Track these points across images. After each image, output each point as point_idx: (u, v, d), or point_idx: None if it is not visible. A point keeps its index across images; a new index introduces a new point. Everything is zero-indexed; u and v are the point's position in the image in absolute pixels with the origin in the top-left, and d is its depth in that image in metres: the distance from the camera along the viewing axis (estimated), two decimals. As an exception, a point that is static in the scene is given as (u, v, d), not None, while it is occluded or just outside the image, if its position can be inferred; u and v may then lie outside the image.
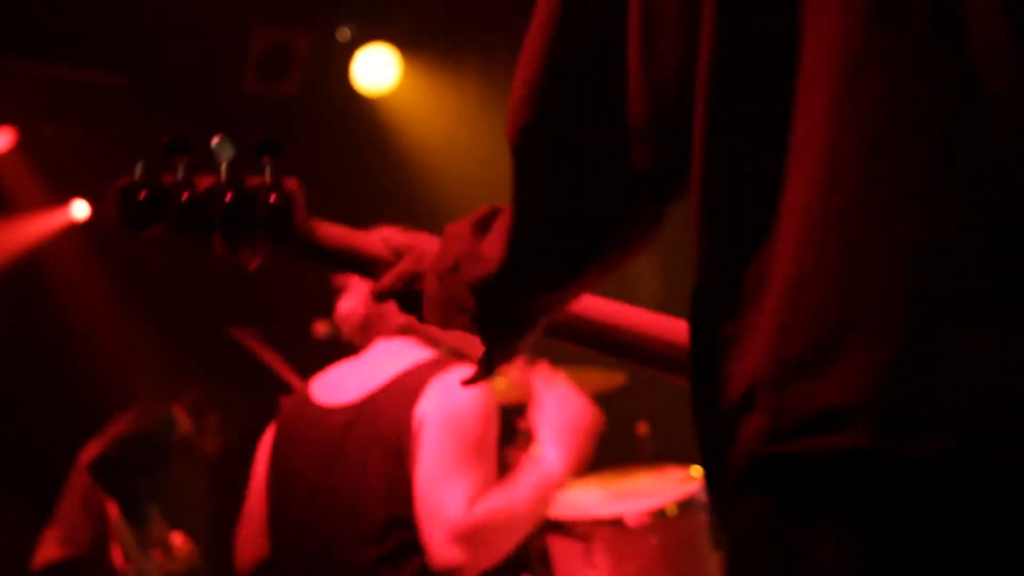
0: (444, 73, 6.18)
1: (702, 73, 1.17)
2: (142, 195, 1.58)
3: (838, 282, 1.06)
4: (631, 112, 1.25)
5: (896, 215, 1.05)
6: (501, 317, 1.49)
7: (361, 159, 6.24)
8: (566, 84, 1.28)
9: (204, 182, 1.59)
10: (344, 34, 6.20)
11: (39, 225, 6.50)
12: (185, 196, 1.57)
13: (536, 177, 1.33)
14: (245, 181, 1.59)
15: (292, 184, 1.60)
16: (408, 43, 6.12)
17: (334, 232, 1.67)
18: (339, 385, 3.07)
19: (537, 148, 1.31)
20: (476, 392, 2.82)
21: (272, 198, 1.57)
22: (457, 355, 3.00)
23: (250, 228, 1.59)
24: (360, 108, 6.23)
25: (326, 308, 3.34)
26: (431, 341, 3.05)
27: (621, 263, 1.39)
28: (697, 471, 3.37)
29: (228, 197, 1.57)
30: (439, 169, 6.16)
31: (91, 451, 5.02)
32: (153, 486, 5.17)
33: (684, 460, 3.50)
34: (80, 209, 6.59)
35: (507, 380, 3.55)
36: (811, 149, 1.10)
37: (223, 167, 1.59)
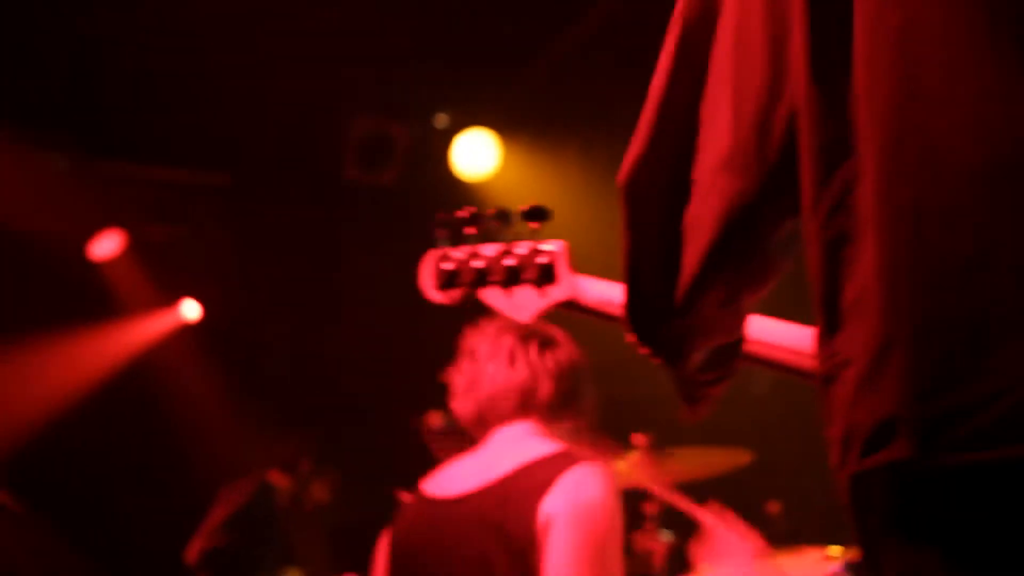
0: (543, 156, 6.16)
1: (801, 100, 1.27)
2: (447, 266, 1.96)
3: (884, 304, 1.15)
4: (728, 142, 1.36)
5: (944, 230, 1.13)
6: (658, 344, 1.57)
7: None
8: (672, 121, 1.42)
9: (487, 250, 1.94)
10: (442, 120, 6.22)
11: (150, 327, 6.55)
12: (478, 265, 1.93)
13: (644, 212, 1.46)
14: (518, 247, 1.91)
15: (557, 246, 1.90)
16: (506, 127, 6.12)
17: (595, 286, 1.89)
18: (459, 476, 3.01)
19: (649, 182, 1.44)
20: (603, 489, 2.76)
21: (541, 259, 1.89)
22: (578, 446, 2.93)
23: (526, 286, 1.90)
24: (460, 193, 6.22)
25: (440, 401, 3.29)
26: (549, 428, 2.98)
27: (747, 292, 1.47)
28: (835, 551, 3.24)
29: (509, 262, 1.90)
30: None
31: (194, 549, 4.99)
32: (266, 556, 5.15)
33: (818, 538, 3.38)
34: (189, 309, 6.64)
35: (629, 464, 3.47)
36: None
37: (502, 236, 1.92)
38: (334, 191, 6.24)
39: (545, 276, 1.89)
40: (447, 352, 3.14)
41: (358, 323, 6.36)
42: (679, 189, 1.42)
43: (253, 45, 5.35)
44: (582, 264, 5.89)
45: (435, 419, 3.72)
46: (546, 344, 2.95)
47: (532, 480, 2.82)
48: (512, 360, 2.92)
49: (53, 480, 5.99)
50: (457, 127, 6.14)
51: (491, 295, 1.94)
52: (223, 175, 6.42)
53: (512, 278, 1.91)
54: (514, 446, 2.95)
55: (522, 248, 1.92)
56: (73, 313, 6.21)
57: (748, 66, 1.35)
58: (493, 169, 6.13)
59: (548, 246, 1.90)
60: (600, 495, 2.75)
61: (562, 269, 1.89)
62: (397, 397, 4.97)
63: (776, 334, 1.77)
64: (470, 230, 1.95)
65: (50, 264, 5.98)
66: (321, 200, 6.32)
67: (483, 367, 2.96)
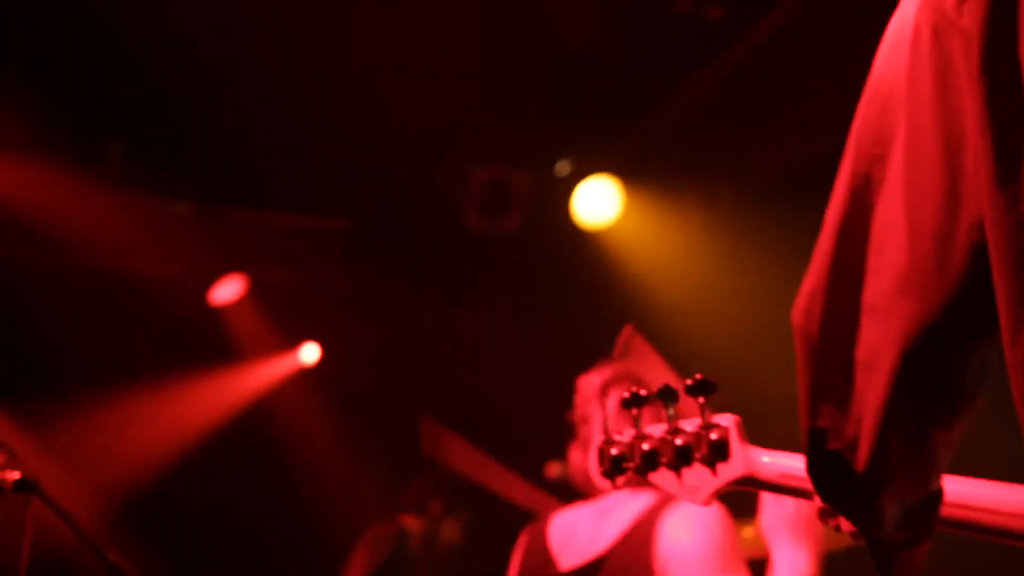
0: (666, 205, 6.03)
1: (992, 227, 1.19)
2: (614, 451, 1.89)
3: None
4: (905, 260, 1.28)
5: None
6: (849, 501, 1.45)
7: (584, 292, 6.13)
8: (851, 253, 1.34)
9: (655, 430, 1.87)
10: (563, 168, 6.14)
11: (271, 371, 6.58)
12: (646, 447, 1.86)
13: (822, 349, 1.36)
14: (687, 423, 1.83)
15: (728, 421, 1.80)
16: (628, 174, 6.01)
17: (774, 460, 1.79)
18: (573, 538, 3.09)
19: (825, 315, 1.35)
20: (707, 516, 2.85)
21: (713, 435, 1.79)
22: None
23: (698, 465, 1.81)
24: (582, 242, 6.13)
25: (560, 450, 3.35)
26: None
27: (938, 428, 1.36)
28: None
29: (678, 441, 1.82)
30: (664, 300, 5.99)
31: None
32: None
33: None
34: (309, 353, 6.65)
35: (755, 531, 3.42)
36: None
37: (670, 413, 1.84)
38: (455, 238, 6.21)
39: (718, 453, 1.79)
40: (568, 396, 3.22)
41: (478, 368, 6.33)
42: (857, 322, 1.33)
43: (376, 90, 5.34)
44: (702, 315, 5.71)
45: (553, 469, 3.80)
46: None
47: (639, 538, 2.91)
48: None
49: (172, 526, 6.04)
50: (579, 175, 6.04)
51: (662, 478, 1.85)
52: (344, 220, 6.43)
53: (683, 458, 1.82)
54: (623, 504, 3.03)
55: (691, 424, 1.84)
56: (194, 358, 6.27)
57: (922, 175, 1.27)
58: (615, 217, 6.02)
59: (720, 420, 1.81)
60: (705, 520, 2.86)
61: (735, 444, 1.79)
62: (520, 440, 4.99)
63: (979, 495, 1.60)
64: (634, 411, 1.87)
65: (172, 309, 6.05)
66: (442, 247, 6.30)
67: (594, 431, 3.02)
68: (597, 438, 1.94)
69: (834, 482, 1.40)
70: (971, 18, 1.23)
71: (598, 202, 6.02)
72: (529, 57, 5.33)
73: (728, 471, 1.79)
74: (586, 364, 3.21)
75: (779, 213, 5.19)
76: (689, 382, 1.77)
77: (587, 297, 6.12)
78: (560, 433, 3.28)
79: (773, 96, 5.28)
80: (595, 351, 3.26)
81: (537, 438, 3.97)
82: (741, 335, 5.35)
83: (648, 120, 5.81)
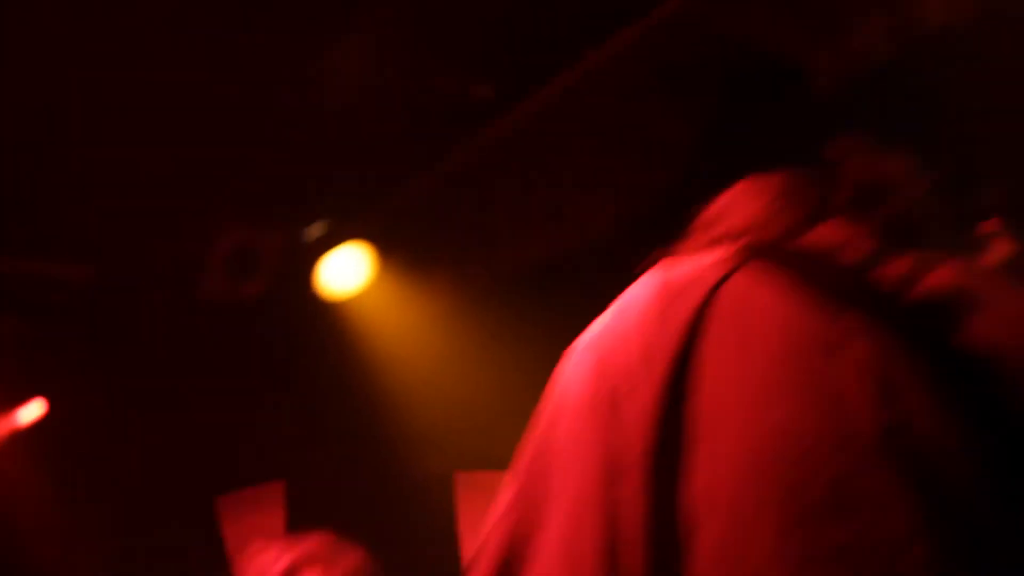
0: (415, 277, 5.94)
1: None
2: None
3: None
4: None
5: None
6: None
7: (325, 364, 5.99)
8: None
9: None
10: (312, 233, 5.98)
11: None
12: None
13: None
14: None
15: None
16: (379, 245, 5.91)
17: None
18: None
19: None
20: None
21: None
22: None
23: None
24: (326, 312, 5.98)
25: None
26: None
27: None
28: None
29: None
30: (406, 376, 5.90)
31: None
32: None
33: None
34: (32, 410, 6.29)
35: None
36: None
37: None
38: (191, 301, 5.98)
39: None
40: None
41: (202, 439, 6.11)
42: None
43: (121, 136, 5.12)
44: (443, 394, 5.65)
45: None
46: None
47: None
48: None
49: None
50: (328, 243, 5.89)
51: None
52: (85, 269, 6.13)
53: None
54: None
55: None
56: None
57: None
58: (362, 287, 5.89)
59: None
60: None
61: None
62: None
63: None
64: None
65: None
66: (179, 311, 6.06)
67: None
68: None
69: None
70: (641, 410, 1.29)
71: (347, 271, 5.89)
72: (288, 115, 5.21)
73: None
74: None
75: (524, 302, 5.20)
76: None
77: (327, 368, 5.99)
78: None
79: (527, 184, 5.29)
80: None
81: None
82: (474, 416, 5.33)
83: (404, 192, 5.74)
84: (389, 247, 5.90)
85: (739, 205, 1.55)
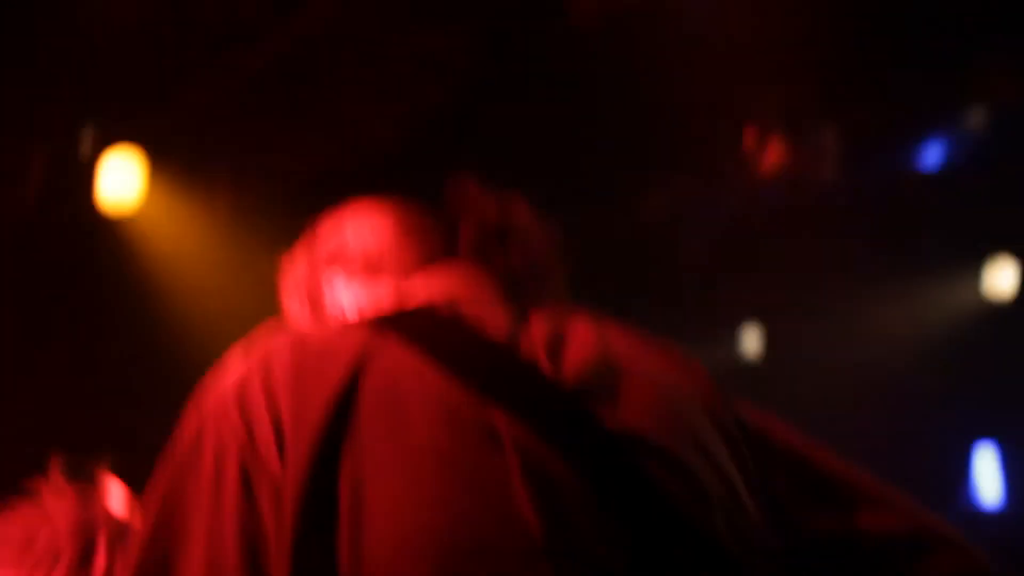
0: (192, 189, 5.82)
1: None
2: None
3: None
4: None
5: None
6: None
7: (102, 280, 5.83)
8: None
9: None
10: (86, 142, 5.76)
11: None
12: None
13: None
14: None
15: None
16: (155, 153, 5.74)
17: None
18: None
19: None
20: None
21: None
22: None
23: None
24: (101, 225, 5.80)
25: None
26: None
27: None
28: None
29: None
30: (186, 292, 5.80)
31: None
32: None
33: None
34: None
35: None
36: None
37: None
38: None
39: None
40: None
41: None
42: None
43: None
44: (228, 311, 5.55)
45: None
46: None
47: None
48: None
49: None
50: (101, 151, 5.68)
51: None
52: None
53: None
54: None
55: None
56: None
57: None
58: (138, 199, 5.72)
59: None
60: None
61: None
62: None
63: None
64: None
65: None
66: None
67: None
68: None
69: None
70: (291, 483, 1.25)
71: (121, 182, 5.71)
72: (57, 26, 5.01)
73: None
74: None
75: (304, 211, 5.13)
76: None
77: (103, 285, 5.83)
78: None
79: (306, 96, 5.24)
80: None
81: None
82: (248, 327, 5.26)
83: (180, 99, 5.60)
84: (164, 156, 5.75)
85: (364, 237, 1.58)
